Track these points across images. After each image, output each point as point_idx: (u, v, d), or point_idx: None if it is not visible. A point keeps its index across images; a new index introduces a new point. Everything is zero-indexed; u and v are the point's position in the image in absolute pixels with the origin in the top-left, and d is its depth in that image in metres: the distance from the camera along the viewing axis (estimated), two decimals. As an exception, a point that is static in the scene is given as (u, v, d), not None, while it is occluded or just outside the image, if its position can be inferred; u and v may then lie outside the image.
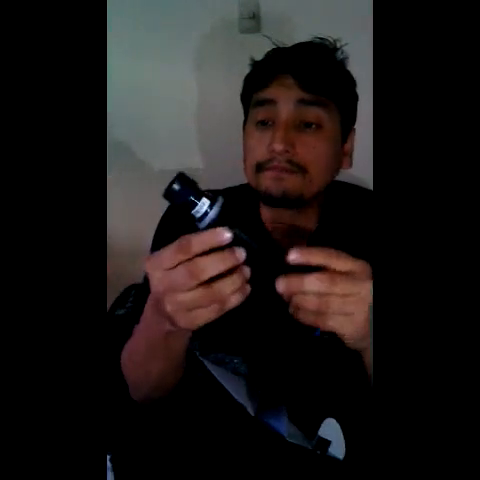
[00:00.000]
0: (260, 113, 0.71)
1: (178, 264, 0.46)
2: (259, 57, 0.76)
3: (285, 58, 0.71)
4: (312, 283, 0.48)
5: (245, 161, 0.73)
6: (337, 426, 0.61)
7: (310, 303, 0.49)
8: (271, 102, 0.69)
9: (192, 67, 1.14)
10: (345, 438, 0.60)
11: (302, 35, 0.75)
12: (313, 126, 0.69)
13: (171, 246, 0.46)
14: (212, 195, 0.48)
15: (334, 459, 0.60)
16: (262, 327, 0.74)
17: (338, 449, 0.60)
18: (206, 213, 0.48)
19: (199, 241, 0.45)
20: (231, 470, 0.62)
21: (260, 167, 0.69)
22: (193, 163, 1.20)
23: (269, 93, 0.70)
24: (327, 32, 0.74)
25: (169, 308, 0.48)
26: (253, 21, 1.09)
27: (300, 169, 0.68)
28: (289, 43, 0.75)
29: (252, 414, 0.63)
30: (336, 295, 0.48)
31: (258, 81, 0.72)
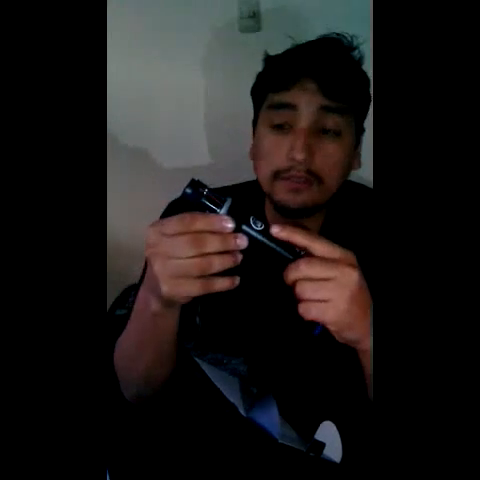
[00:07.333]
0: (277, 117, 0.68)
1: (178, 234, 0.47)
2: (259, 57, 0.76)
3: (307, 60, 0.68)
4: (292, 268, 0.50)
5: (258, 164, 0.71)
6: (334, 429, 0.60)
7: (296, 290, 0.50)
8: (291, 107, 0.67)
9: (192, 67, 1.14)
10: (343, 441, 0.60)
11: (302, 34, 0.75)
12: (331, 133, 0.67)
13: (176, 216, 0.48)
14: (222, 198, 0.51)
15: (330, 462, 0.60)
16: (263, 328, 0.74)
17: (334, 452, 0.59)
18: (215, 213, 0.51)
19: (203, 220, 0.48)
20: (223, 471, 0.62)
21: (277, 175, 0.68)
22: (193, 162, 1.20)
23: (290, 97, 0.67)
24: (327, 31, 0.73)
25: (157, 267, 0.49)
26: (253, 20, 1.09)
27: (317, 179, 0.67)
28: (288, 43, 0.75)
29: (243, 415, 0.63)
30: (312, 279, 0.49)
31: (277, 82, 0.69)
